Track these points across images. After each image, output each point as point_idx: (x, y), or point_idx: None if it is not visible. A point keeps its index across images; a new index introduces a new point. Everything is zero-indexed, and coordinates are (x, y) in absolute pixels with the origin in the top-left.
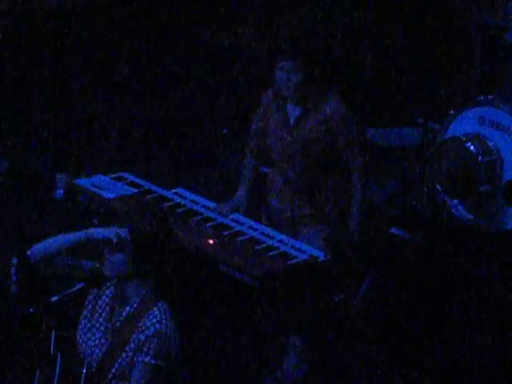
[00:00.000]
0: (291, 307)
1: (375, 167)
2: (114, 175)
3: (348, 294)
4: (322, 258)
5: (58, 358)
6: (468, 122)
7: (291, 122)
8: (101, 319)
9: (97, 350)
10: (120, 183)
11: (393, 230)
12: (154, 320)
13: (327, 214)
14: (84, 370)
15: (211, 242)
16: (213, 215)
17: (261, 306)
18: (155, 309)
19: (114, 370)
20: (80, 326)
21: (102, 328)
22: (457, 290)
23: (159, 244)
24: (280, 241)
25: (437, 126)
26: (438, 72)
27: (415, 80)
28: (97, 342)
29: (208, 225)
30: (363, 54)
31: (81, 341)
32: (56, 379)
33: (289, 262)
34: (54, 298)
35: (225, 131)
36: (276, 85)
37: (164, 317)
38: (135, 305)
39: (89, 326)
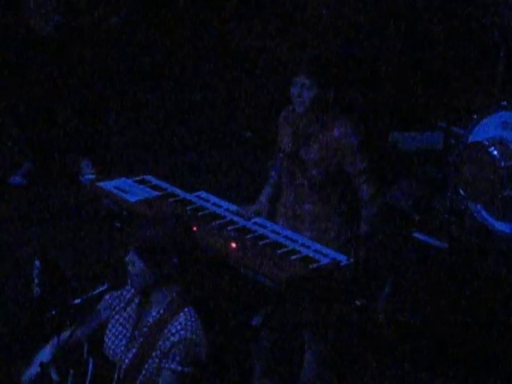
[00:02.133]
0: (313, 311)
1: (398, 171)
2: (137, 178)
3: (370, 299)
4: (344, 262)
5: (90, 363)
6: (491, 127)
7: (301, 139)
8: (128, 325)
9: (124, 357)
10: (143, 186)
11: (416, 235)
12: (179, 327)
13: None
14: (115, 376)
15: (234, 245)
16: (235, 218)
17: (282, 309)
18: (181, 314)
19: (141, 377)
20: (107, 333)
21: (129, 335)
22: (480, 295)
23: (179, 249)
24: (302, 244)
25: (460, 131)
26: (461, 76)
27: (438, 84)
28: (123, 348)
29: (230, 228)
30: (387, 58)
31: (108, 348)
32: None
33: (311, 266)
34: (77, 301)
35: (247, 135)
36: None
37: (189, 323)
38: (161, 311)
39: (116, 332)
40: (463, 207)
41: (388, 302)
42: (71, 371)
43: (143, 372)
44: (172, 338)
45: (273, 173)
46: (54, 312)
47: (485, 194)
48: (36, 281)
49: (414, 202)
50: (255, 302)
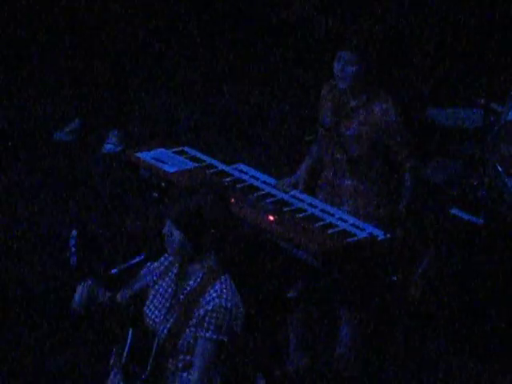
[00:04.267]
0: (349, 285)
1: (436, 147)
2: (175, 149)
3: (406, 274)
4: (381, 236)
5: (130, 333)
6: None
7: (341, 114)
8: (166, 295)
9: (162, 327)
10: (181, 157)
11: (453, 211)
12: (214, 294)
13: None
14: (155, 346)
15: (271, 218)
16: (273, 191)
17: (318, 282)
18: (217, 282)
19: (179, 346)
20: (148, 303)
21: (168, 305)
22: None
23: (216, 219)
24: (340, 218)
25: (499, 107)
26: (501, 53)
27: (478, 60)
28: (162, 318)
29: (268, 201)
30: (426, 34)
31: (148, 318)
32: (126, 353)
33: (348, 240)
34: (114, 271)
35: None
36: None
37: (225, 291)
38: (198, 279)
39: (156, 302)
40: (501, 184)
41: (424, 277)
42: (114, 347)
43: (181, 341)
44: (206, 307)
45: (314, 147)
46: (90, 282)
47: None
48: (73, 250)
49: (451, 178)
50: (292, 275)
